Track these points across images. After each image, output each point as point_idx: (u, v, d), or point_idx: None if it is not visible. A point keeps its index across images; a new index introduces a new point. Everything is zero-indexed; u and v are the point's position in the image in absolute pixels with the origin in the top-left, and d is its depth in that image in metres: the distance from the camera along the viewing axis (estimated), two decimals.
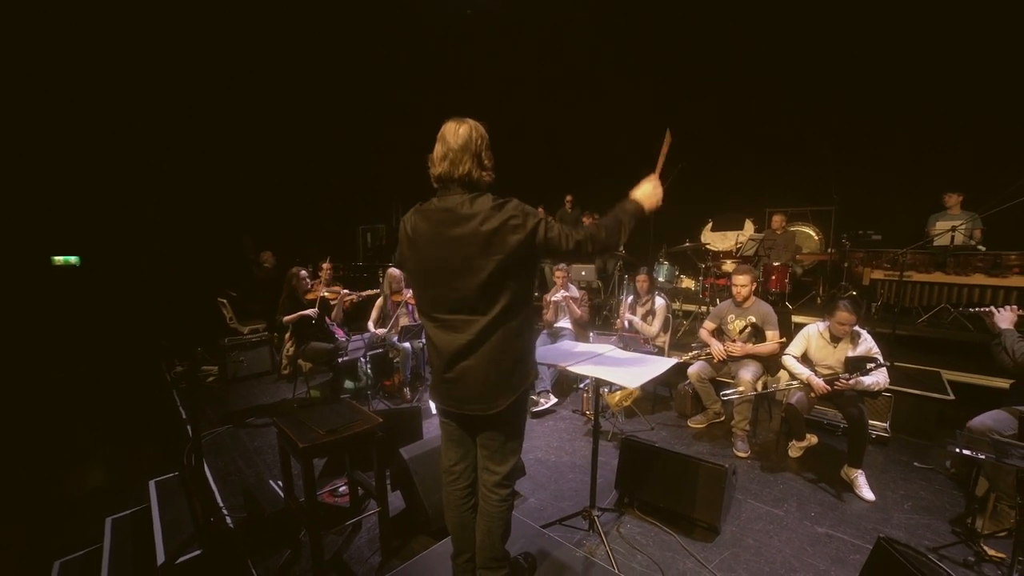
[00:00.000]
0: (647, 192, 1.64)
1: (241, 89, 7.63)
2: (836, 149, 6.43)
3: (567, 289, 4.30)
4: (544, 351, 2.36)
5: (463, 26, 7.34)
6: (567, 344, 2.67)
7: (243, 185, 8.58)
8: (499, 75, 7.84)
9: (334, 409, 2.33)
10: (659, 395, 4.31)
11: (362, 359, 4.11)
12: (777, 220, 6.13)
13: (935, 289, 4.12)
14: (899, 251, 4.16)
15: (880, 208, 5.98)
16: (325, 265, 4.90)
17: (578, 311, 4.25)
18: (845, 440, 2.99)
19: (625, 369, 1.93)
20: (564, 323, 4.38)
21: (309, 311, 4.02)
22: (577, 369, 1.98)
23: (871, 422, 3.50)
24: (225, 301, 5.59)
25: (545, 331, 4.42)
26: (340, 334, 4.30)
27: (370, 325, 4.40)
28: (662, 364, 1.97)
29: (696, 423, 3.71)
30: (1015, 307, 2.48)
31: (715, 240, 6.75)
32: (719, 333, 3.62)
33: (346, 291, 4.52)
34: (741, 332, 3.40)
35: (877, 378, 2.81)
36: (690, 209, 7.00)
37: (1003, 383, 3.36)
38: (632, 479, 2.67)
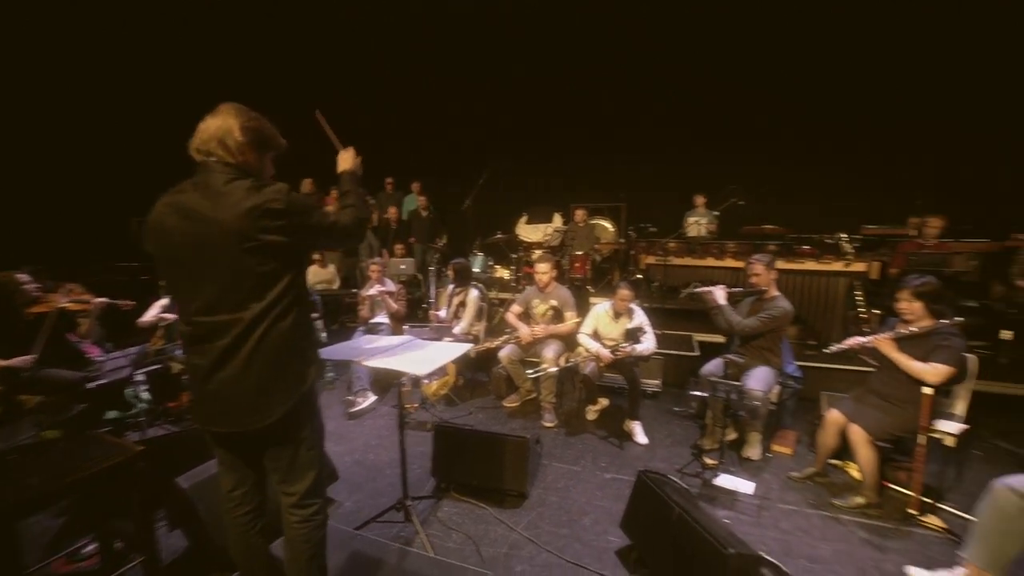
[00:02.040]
0: (347, 160, 1.71)
1: None
2: (625, 154, 7.64)
3: (383, 284, 4.21)
4: (335, 348, 2.26)
5: None
6: (362, 339, 2.61)
7: None
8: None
9: (68, 449, 1.85)
10: (478, 380, 4.52)
11: (135, 379, 3.37)
12: (579, 214, 6.96)
13: (688, 270, 5.18)
14: (662, 240, 5.14)
15: (657, 205, 7.26)
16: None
17: (394, 305, 4.19)
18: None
19: (416, 358, 1.96)
20: (381, 318, 4.27)
21: (17, 362, 2.89)
22: (369, 363, 1.94)
23: (647, 381, 4.24)
24: None
25: (361, 328, 4.25)
26: (95, 352, 3.44)
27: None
28: (452, 350, 2.07)
29: (511, 402, 4.00)
30: (723, 285, 3.26)
31: (529, 232, 7.35)
32: (526, 317, 3.96)
33: (101, 299, 3.62)
34: (544, 315, 3.78)
35: (647, 344, 3.41)
36: (505, 204, 7.56)
37: (722, 339, 4.38)
38: (447, 463, 2.75)
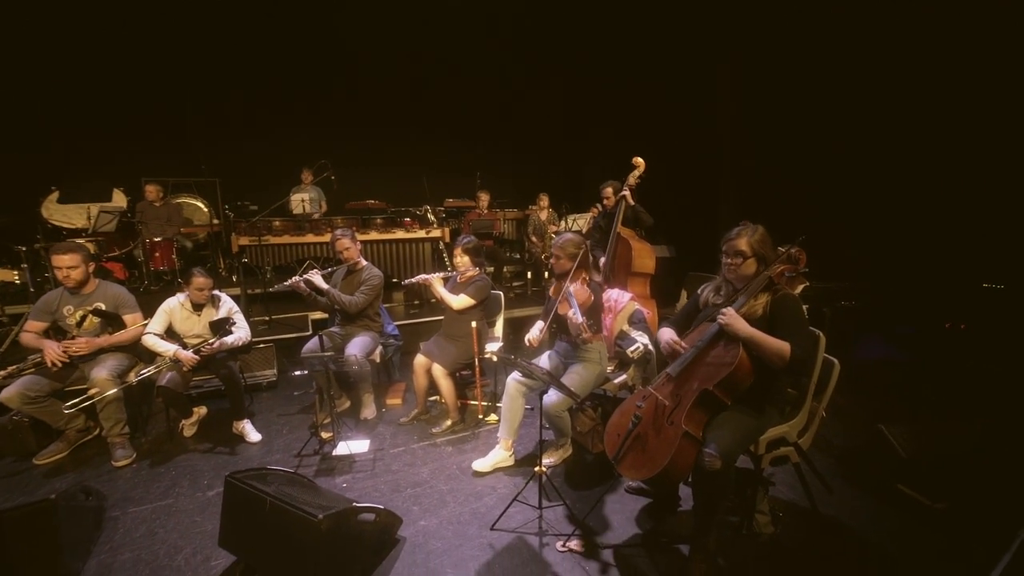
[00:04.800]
0: None
1: None
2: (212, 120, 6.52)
3: None
4: None
5: None
6: None
7: None
8: None
9: None
10: None
11: None
12: (152, 191, 5.53)
13: (295, 248, 4.94)
14: (267, 219, 4.71)
15: (258, 180, 6.58)
16: None
17: None
18: None
19: None
20: None
21: None
22: None
23: (260, 372, 3.88)
24: None
25: None
26: None
27: None
28: None
29: (50, 455, 2.83)
30: (317, 270, 3.23)
31: (66, 214, 5.31)
32: (59, 332, 2.84)
33: None
34: (82, 324, 2.79)
35: (239, 334, 3.03)
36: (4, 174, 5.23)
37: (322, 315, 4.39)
38: None
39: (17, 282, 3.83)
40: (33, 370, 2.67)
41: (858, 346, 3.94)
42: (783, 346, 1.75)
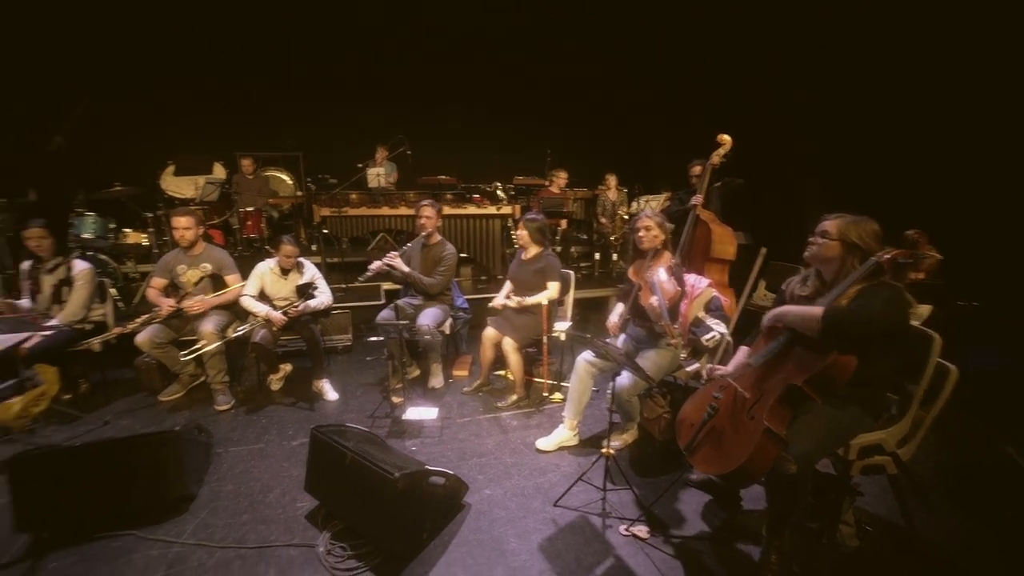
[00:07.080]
0: None
1: None
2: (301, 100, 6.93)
3: None
4: None
5: None
6: None
7: None
8: None
9: None
10: (117, 379, 3.49)
11: None
12: (246, 164, 5.98)
13: (370, 220, 5.16)
14: (345, 192, 4.96)
15: (336, 155, 6.91)
16: None
17: None
18: None
19: None
20: None
21: None
22: None
23: (336, 336, 4.14)
24: None
25: None
26: None
27: None
28: None
29: (170, 395, 3.24)
30: (393, 254, 3.33)
31: (179, 186, 5.89)
32: (174, 289, 3.19)
33: None
34: (197, 283, 3.11)
35: (322, 299, 3.25)
36: (135, 147, 5.81)
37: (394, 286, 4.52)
38: (40, 505, 2.00)
39: (145, 243, 4.37)
40: (156, 321, 3.04)
41: (974, 352, 3.48)
42: (813, 312, 1.60)
